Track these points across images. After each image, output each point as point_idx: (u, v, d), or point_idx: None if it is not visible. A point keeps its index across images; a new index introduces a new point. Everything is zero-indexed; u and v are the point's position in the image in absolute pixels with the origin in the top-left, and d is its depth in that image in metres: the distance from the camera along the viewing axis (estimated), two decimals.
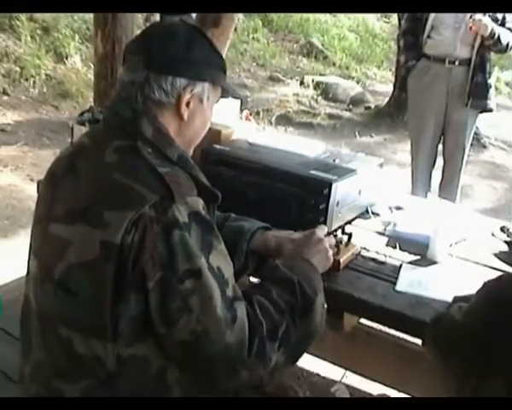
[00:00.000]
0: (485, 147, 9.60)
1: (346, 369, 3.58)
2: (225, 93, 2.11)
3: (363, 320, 2.92)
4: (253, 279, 2.81)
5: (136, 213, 1.71)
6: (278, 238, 2.28)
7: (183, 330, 1.73)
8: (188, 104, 1.93)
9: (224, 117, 3.04)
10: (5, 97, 8.42)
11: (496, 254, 2.73)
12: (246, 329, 1.77)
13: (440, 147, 5.77)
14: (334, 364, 3.60)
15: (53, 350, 1.87)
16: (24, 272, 2.05)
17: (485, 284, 1.78)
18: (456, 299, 2.05)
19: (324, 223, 2.50)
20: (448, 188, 5.66)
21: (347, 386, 3.61)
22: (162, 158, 1.85)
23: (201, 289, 1.72)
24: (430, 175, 5.79)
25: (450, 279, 2.45)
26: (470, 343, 1.69)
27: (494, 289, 1.75)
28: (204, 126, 2.05)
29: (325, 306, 2.03)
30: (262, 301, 1.87)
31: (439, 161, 5.85)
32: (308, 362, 3.73)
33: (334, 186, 2.53)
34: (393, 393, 3.51)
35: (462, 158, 5.61)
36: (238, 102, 3.25)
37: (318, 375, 3.85)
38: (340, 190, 2.58)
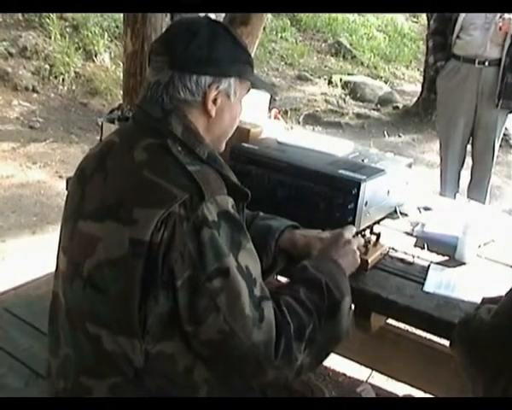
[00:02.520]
0: None
1: (373, 369, 3.58)
2: (254, 87, 2.10)
3: (390, 321, 2.91)
4: (281, 278, 2.82)
5: (165, 211, 1.72)
6: (306, 237, 2.29)
7: (211, 328, 1.73)
8: (215, 101, 1.92)
9: (253, 116, 3.04)
10: (34, 94, 8.48)
11: None
12: (273, 328, 1.77)
13: (469, 147, 5.74)
14: (361, 364, 3.61)
15: (81, 346, 1.87)
16: (52, 269, 2.06)
17: None
18: (485, 300, 2.04)
19: (353, 222, 2.49)
20: (477, 189, 5.63)
21: (373, 386, 3.61)
22: (192, 156, 1.85)
23: (229, 288, 1.73)
24: (459, 176, 5.77)
25: (479, 280, 2.43)
26: (499, 345, 1.68)
27: None
28: (233, 122, 2.05)
29: (352, 309, 2.03)
30: (289, 301, 1.87)
31: (468, 162, 5.82)
32: (334, 362, 3.74)
33: (362, 186, 2.52)
34: (419, 394, 3.50)
35: (492, 159, 5.59)
36: (267, 100, 3.25)
37: (344, 375, 3.85)
38: (369, 190, 2.57)
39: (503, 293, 1.81)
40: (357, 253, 2.22)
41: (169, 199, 1.73)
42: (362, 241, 2.34)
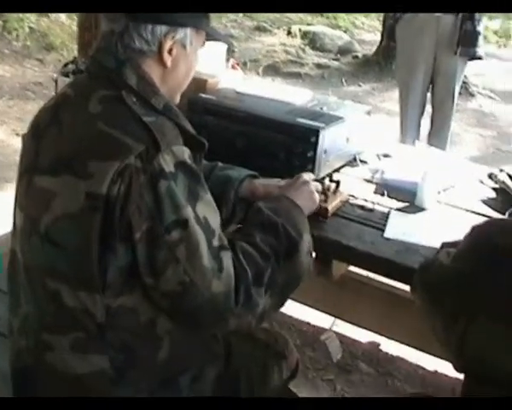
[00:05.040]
0: (472, 95, 9.57)
1: (336, 317, 3.60)
2: (211, 38, 2.08)
3: (351, 268, 2.93)
4: None
5: (121, 164, 1.70)
6: (266, 187, 2.28)
7: (171, 280, 1.73)
8: (170, 51, 1.90)
9: (210, 66, 3.01)
10: None
11: (484, 201, 2.72)
12: (232, 278, 1.77)
13: (429, 95, 5.75)
14: (324, 312, 3.63)
15: (41, 303, 1.86)
16: (11, 227, 2.03)
17: (473, 229, 1.78)
18: (444, 245, 2.05)
19: (312, 171, 2.48)
20: (438, 136, 5.65)
21: (337, 334, 3.64)
22: (147, 107, 1.83)
23: (188, 240, 1.72)
24: (419, 123, 5.77)
25: (439, 226, 2.45)
26: (458, 287, 1.69)
27: (482, 233, 1.75)
28: (189, 72, 2.02)
29: (312, 246, 2.03)
30: (246, 247, 1.86)
31: (428, 110, 5.83)
32: (298, 311, 3.76)
33: (321, 134, 2.51)
34: (383, 340, 3.55)
35: (452, 106, 5.60)
36: (224, 51, 3.22)
37: (308, 323, 3.88)
38: (328, 138, 2.56)
39: (461, 237, 1.82)
40: (316, 194, 2.22)
41: (125, 151, 1.71)
42: (320, 186, 2.33)
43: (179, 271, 1.72)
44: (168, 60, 1.90)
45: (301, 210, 2.08)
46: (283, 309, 2.01)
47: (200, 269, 1.72)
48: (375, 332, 3.53)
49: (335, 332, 3.64)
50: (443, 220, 2.51)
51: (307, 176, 2.24)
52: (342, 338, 3.66)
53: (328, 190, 2.44)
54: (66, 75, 3.14)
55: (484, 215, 2.56)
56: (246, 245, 1.87)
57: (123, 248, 1.73)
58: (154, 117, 1.80)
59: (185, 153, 1.79)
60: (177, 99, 2.06)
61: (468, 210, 2.63)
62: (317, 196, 2.23)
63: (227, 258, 1.78)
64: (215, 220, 1.82)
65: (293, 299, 2.04)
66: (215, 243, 1.77)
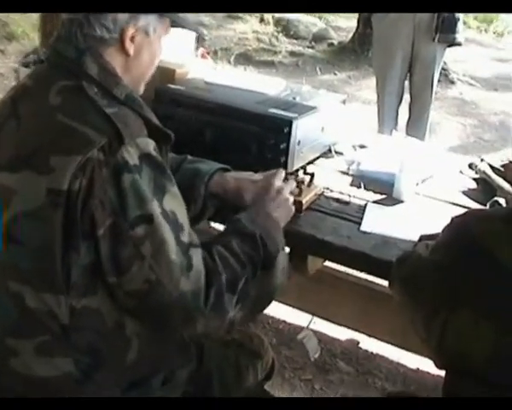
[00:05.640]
0: (453, 83, 9.55)
1: (313, 314, 3.55)
2: (176, 25, 2.02)
3: (327, 263, 2.87)
4: (214, 224, 2.77)
5: (83, 157, 1.65)
6: (238, 180, 2.23)
7: (136, 278, 1.68)
8: (132, 39, 1.85)
9: (179, 55, 2.98)
10: None
11: (464, 192, 2.71)
12: (202, 277, 1.73)
13: (407, 83, 5.71)
14: (300, 309, 3.61)
15: (4, 306, 1.79)
16: None
17: (452, 220, 1.78)
18: (423, 237, 2.05)
19: (285, 163, 2.46)
20: (416, 125, 5.63)
21: (315, 332, 3.58)
22: (109, 98, 1.79)
23: (154, 235, 1.68)
24: (397, 113, 5.75)
25: (417, 218, 2.43)
26: (438, 278, 1.68)
27: (461, 225, 1.74)
28: (153, 61, 1.98)
29: (287, 264, 2.02)
30: (222, 251, 1.83)
31: (406, 98, 5.79)
32: (273, 309, 3.70)
33: (294, 124, 2.47)
34: (362, 337, 3.51)
35: (431, 94, 5.59)
36: (193, 39, 3.17)
37: (285, 322, 3.86)
38: (301, 129, 2.52)
39: (440, 230, 1.81)
40: (291, 200, 2.18)
41: (86, 144, 1.67)
42: (294, 184, 2.29)
43: (144, 268, 1.67)
44: (130, 48, 1.86)
45: (278, 224, 2.06)
46: None
47: (167, 266, 1.68)
48: (354, 329, 3.52)
49: (313, 330, 3.59)
50: (421, 213, 2.50)
51: (278, 180, 2.17)
52: (320, 336, 3.62)
53: (303, 183, 2.43)
54: (28, 66, 3.13)
55: (464, 207, 2.54)
56: (223, 249, 1.84)
57: (85, 246, 1.68)
58: (117, 108, 1.77)
59: (150, 145, 1.75)
60: (141, 89, 2.01)
61: (447, 202, 2.61)
62: (291, 203, 2.19)
63: (197, 256, 1.74)
64: (183, 215, 1.78)
65: None
66: (184, 238, 1.74)
